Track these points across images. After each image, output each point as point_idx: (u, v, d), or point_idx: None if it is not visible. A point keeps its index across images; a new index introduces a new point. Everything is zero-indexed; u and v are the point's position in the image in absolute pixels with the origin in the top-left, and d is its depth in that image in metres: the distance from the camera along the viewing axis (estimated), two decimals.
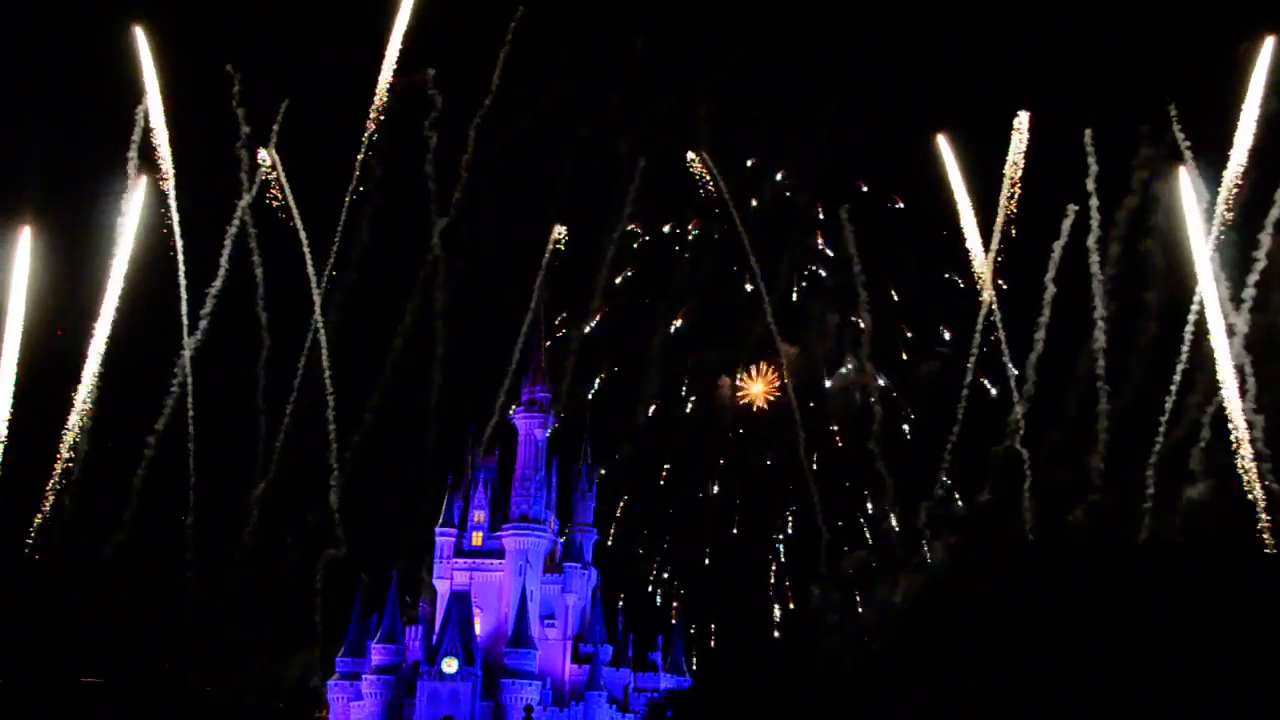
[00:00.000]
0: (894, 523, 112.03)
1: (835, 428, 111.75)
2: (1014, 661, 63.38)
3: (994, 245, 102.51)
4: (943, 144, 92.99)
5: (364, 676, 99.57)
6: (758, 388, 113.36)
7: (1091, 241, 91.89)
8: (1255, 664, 56.43)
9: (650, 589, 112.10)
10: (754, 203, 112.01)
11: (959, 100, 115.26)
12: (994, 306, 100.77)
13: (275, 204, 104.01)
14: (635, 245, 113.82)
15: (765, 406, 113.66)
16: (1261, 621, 57.71)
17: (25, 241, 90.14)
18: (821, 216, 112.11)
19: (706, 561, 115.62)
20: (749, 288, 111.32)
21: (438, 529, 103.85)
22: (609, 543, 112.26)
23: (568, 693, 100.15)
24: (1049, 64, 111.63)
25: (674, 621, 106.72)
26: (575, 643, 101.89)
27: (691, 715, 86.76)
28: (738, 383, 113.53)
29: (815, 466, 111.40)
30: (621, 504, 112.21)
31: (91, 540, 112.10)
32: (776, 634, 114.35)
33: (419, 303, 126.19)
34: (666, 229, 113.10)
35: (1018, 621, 65.67)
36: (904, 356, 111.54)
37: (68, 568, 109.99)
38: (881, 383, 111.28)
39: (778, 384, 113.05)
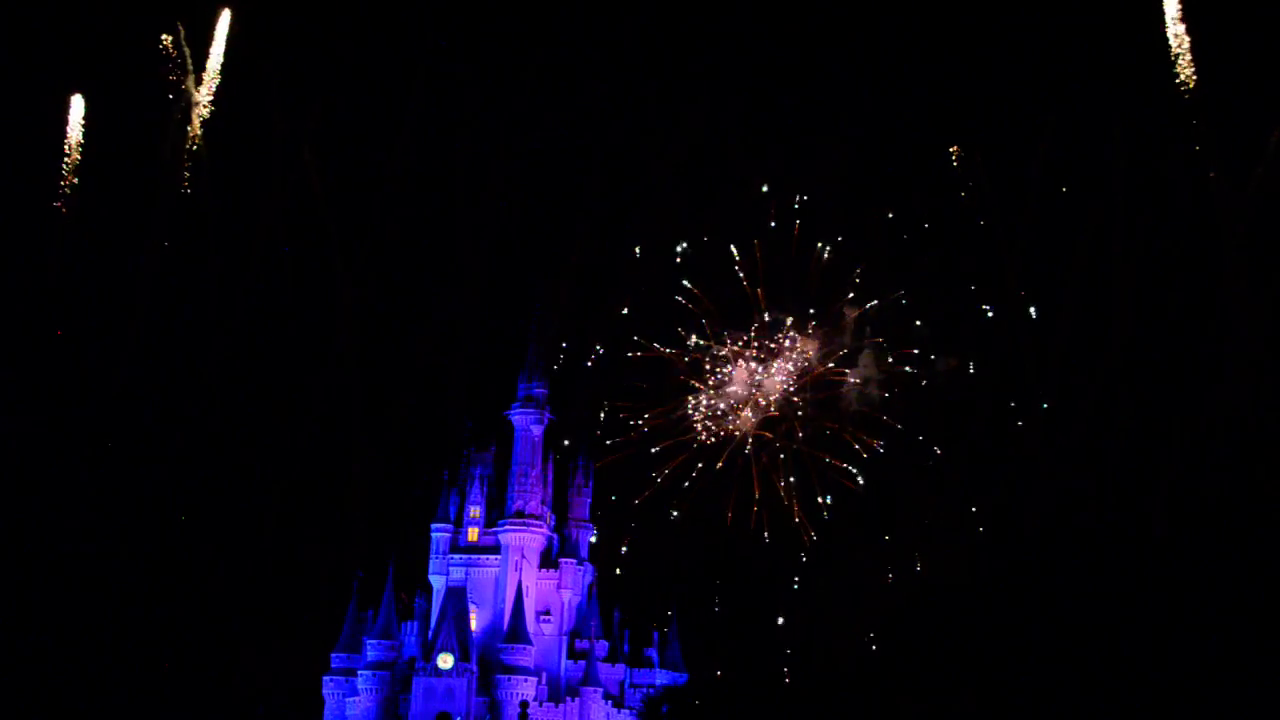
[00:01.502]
0: (898, 521, 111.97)
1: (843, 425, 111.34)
2: (1006, 656, 63.68)
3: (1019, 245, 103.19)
4: (960, 156, 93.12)
5: (359, 672, 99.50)
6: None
7: (1116, 238, 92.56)
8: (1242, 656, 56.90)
9: (651, 588, 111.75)
10: (772, 224, 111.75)
11: (981, 110, 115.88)
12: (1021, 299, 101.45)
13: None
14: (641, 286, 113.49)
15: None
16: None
17: (77, 108, 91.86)
18: (841, 239, 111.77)
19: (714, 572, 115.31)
20: (767, 318, 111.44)
21: (433, 525, 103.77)
22: (626, 541, 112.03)
23: (563, 688, 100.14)
24: (1071, 66, 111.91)
25: (671, 616, 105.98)
26: (571, 638, 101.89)
27: (688, 711, 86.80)
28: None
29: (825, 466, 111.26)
30: (627, 536, 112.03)
31: (90, 535, 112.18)
32: (776, 630, 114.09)
33: (427, 298, 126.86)
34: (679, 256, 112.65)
35: (1010, 617, 65.96)
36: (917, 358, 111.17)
37: (65, 559, 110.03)
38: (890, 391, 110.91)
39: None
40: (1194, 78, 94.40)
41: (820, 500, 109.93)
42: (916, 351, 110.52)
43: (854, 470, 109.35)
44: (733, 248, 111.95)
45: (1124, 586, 63.54)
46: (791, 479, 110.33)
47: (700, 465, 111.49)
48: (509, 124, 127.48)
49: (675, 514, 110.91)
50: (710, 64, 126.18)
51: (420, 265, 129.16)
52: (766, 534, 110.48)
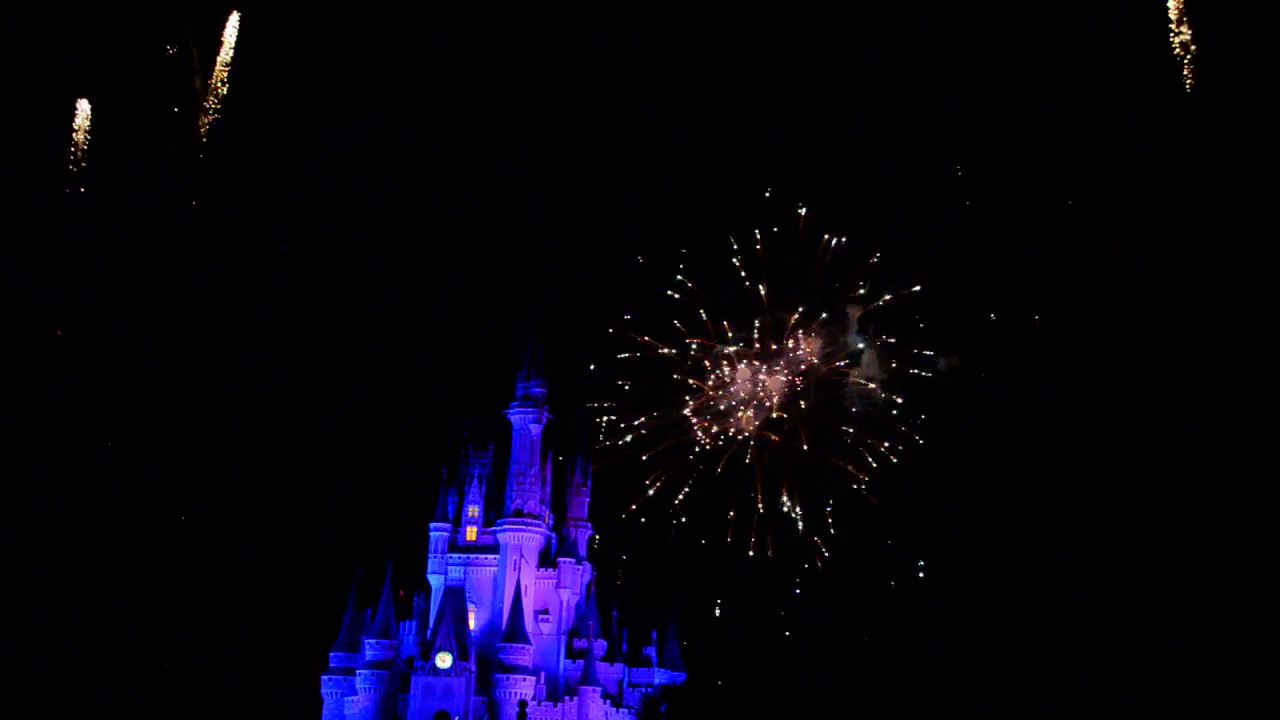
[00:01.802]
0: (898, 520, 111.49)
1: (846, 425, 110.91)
2: (1007, 657, 63.39)
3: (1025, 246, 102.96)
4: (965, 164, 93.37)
5: (358, 671, 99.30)
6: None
7: (1120, 240, 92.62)
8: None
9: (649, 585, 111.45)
10: (774, 229, 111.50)
11: (986, 112, 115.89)
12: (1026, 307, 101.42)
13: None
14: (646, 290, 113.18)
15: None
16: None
17: (84, 113, 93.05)
18: (844, 241, 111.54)
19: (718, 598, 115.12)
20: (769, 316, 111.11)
21: (432, 524, 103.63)
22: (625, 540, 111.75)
23: (562, 687, 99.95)
24: (1076, 67, 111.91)
25: (669, 615, 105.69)
26: (569, 637, 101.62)
27: (686, 711, 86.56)
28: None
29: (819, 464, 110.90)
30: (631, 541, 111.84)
31: (90, 535, 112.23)
32: (775, 630, 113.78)
33: (427, 298, 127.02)
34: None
35: (1011, 618, 65.66)
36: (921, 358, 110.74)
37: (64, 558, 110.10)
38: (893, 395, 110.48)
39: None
40: (1195, 78, 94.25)
41: (827, 508, 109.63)
42: (931, 354, 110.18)
43: (862, 476, 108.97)
44: (735, 246, 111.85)
45: (1124, 587, 63.30)
46: (794, 482, 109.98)
47: (701, 468, 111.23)
48: (510, 123, 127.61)
49: (676, 519, 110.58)
50: (713, 61, 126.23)
51: (420, 265, 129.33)
52: (771, 539, 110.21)
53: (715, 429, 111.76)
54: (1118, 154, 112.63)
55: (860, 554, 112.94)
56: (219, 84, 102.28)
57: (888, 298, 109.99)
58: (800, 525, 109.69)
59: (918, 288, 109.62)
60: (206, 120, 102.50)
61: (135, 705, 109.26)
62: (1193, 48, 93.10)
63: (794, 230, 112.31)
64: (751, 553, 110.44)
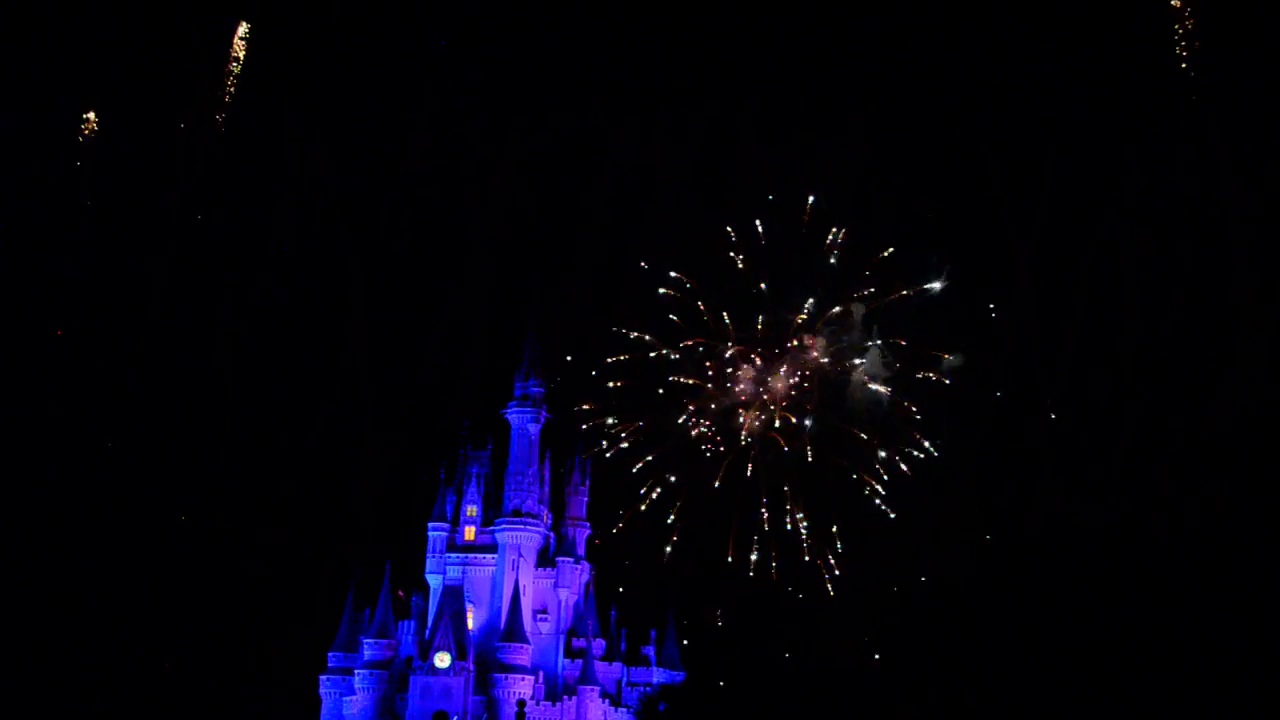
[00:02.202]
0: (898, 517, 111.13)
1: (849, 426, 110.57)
2: (1007, 657, 63.11)
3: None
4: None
5: (356, 671, 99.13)
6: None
7: (1124, 239, 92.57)
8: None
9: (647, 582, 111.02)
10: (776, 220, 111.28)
11: (990, 113, 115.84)
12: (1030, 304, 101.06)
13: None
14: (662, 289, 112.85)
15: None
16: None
17: (92, 121, 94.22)
18: (841, 238, 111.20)
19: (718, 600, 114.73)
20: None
21: (430, 523, 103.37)
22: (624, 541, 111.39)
23: (560, 687, 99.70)
24: (1082, 66, 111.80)
25: (668, 615, 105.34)
26: (568, 637, 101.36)
27: (685, 710, 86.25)
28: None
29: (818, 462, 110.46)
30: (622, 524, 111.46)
31: (90, 535, 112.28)
32: (774, 629, 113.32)
33: (426, 297, 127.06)
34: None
35: (1012, 619, 65.37)
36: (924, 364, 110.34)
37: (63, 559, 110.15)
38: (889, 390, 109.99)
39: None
40: (1198, 76, 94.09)
41: (831, 520, 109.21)
42: (946, 355, 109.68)
43: (869, 480, 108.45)
44: (738, 243, 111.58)
45: (1125, 589, 63.03)
46: (796, 490, 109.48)
47: (701, 473, 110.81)
48: (510, 122, 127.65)
49: (676, 524, 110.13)
50: (716, 59, 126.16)
51: (420, 265, 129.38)
52: (774, 556, 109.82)
53: (716, 432, 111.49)
54: (1123, 153, 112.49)
55: (861, 556, 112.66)
56: (227, 91, 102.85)
57: (904, 292, 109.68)
58: (804, 539, 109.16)
59: (937, 285, 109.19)
60: (214, 125, 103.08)
61: (135, 705, 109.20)
62: (1196, 45, 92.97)
63: (798, 226, 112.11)
64: (753, 573, 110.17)
